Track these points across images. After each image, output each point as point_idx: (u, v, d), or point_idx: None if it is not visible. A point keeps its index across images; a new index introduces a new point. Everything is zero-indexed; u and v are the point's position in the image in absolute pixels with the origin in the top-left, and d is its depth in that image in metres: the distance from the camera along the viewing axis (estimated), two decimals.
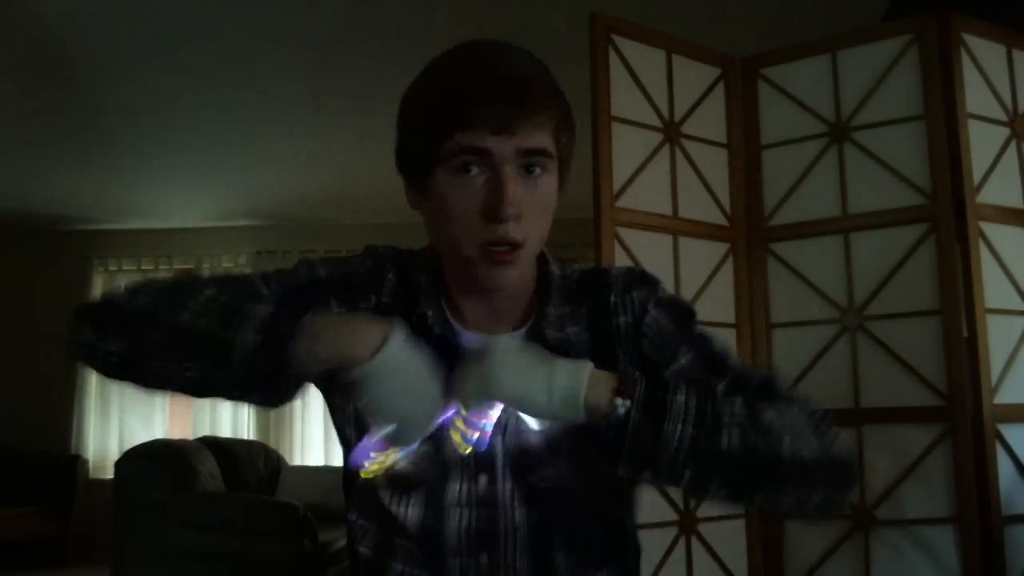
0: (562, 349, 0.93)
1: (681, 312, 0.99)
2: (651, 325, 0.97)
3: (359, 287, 0.99)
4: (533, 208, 0.87)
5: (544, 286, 0.98)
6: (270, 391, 0.82)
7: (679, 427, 0.80)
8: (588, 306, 0.98)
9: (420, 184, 0.90)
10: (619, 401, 0.80)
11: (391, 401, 0.81)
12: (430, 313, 0.95)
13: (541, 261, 0.99)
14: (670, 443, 0.79)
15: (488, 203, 0.84)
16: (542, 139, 0.86)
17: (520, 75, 0.85)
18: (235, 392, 0.84)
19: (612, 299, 0.98)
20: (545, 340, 0.93)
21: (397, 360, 0.81)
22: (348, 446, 0.99)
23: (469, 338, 0.96)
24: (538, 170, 0.87)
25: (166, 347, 0.82)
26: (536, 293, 0.98)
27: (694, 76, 2.55)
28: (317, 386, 0.91)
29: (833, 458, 0.86)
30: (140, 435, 5.94)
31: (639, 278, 1.00)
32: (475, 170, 0.85)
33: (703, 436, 0.80)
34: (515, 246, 0.86)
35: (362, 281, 0.99)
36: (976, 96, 2.42)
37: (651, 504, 2.29)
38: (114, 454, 5.80)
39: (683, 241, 2.44)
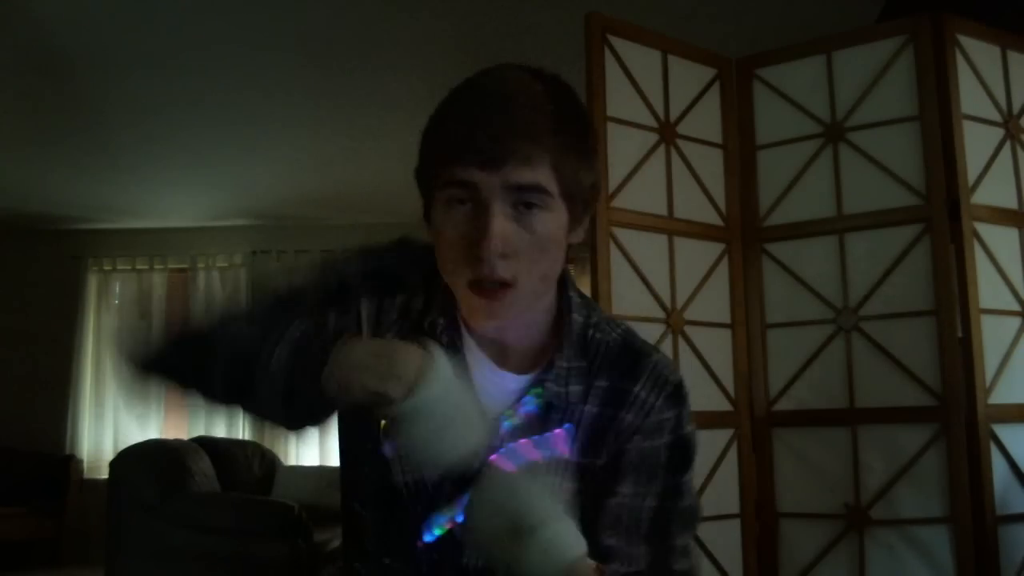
0: (557, 407, 0.92)
1: (684, 458, 0.95)
2: (650, 451, 0.93)
3: (388, 283, 0.95)
4: (528, 246, 0.83)
5: (560, 334, 0.94)
6: (292, 414, 0.86)
7: None
8: (608, 381, 0.94)
9: (427, 210, 0.90)
10: None
11: (430, 443, 0.78)
12: (441, 321, 0.93)
13: (563, 305, 0.95)
14: None
15: (473, 239, 0.82)
16: (535, 174, 0.82)
17: (508, 108, 0.83)
18: (258, 409, 0.90)
19: (637, 391, 0.93)
20: (543, 396, 0.92)
21: (436, 399, 0.77)
22: (366, 455, 0.94)
23: (478, 356, 0.94)
24: (535, 206, 0.83)
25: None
26: (552, 337, 0.94)
27: (689, 76, 2.55)
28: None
29: None
30: (135, 435, 5.93)
31: (674, 392, 0.95)
32: (466, 204, 0.83)
33: None
34: (504, 284, 0.84)
35: (392, 278, 0.96)
36: (970, 97, 2.43)
37: None
38: (108, 454, 5.79)
39: (678, 241, 2.44)
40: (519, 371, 0.94)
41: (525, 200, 0.83)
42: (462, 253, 0.84)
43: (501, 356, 0.94)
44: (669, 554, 0.93)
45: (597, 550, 0.86)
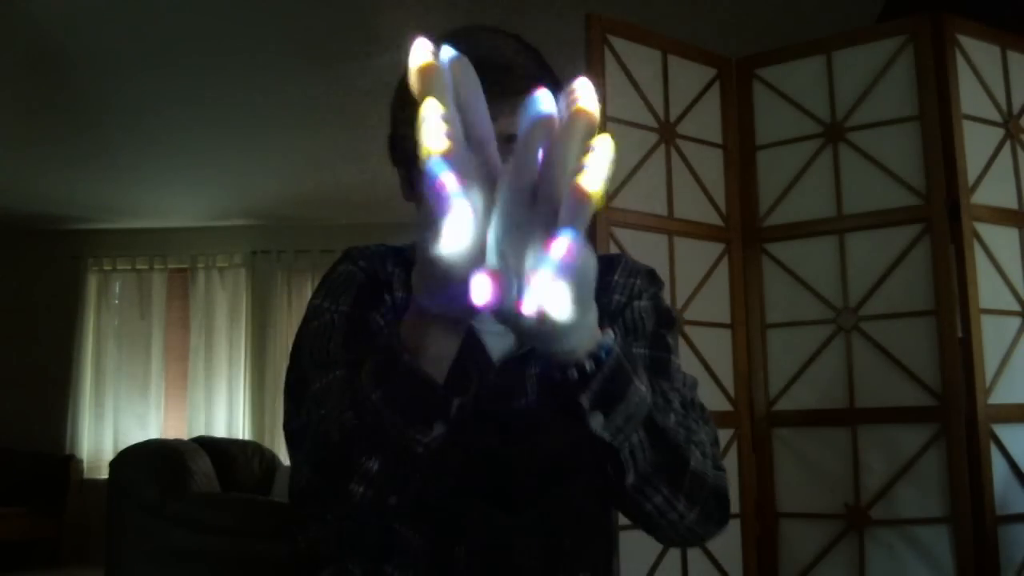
0: None
1: (664, 317, 0.98)
2: (633, 311, 0.96)
3: (370, 291, 0.93)
4: None
5: None
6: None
7: (643, 388, 0.75)
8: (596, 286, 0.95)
9: (407, 176, 0.89)
10: (606, 337, 0.72)
11: None
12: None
13: None
14: (632, 399, 0.73)
15: None
16: None
17: (500, 59, 0.84)
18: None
19: (615, 278, 0.98)
20: None
21: None
22: None
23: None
24: None
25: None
26: None
27: (689, 76, 2.55)
28: None
29: (720, 491, 0.86)
30: (135, 435, 5.93)
31: (648, 273, 1.01)
32: None
33: (657, 408, 0.77)
34: None
35: (370, 284, 0.94)
36: (970, 97, 2.43)
37: None
38: (108, 454, 5.79)
39: (678, 241, 2.44)
40: None
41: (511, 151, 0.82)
42: None
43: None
44: (672, 389, 0.89)
45: None
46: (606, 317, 0.93)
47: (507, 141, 0.79)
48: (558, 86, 0.86)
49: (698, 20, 3.25)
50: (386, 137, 0.94)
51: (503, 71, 0.83)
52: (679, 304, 2.41)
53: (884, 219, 2.42)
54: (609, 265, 1.00)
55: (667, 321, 0.98)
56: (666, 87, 2.48)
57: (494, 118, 0.77)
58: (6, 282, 6.37)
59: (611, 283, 0.98)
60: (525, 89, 0.80)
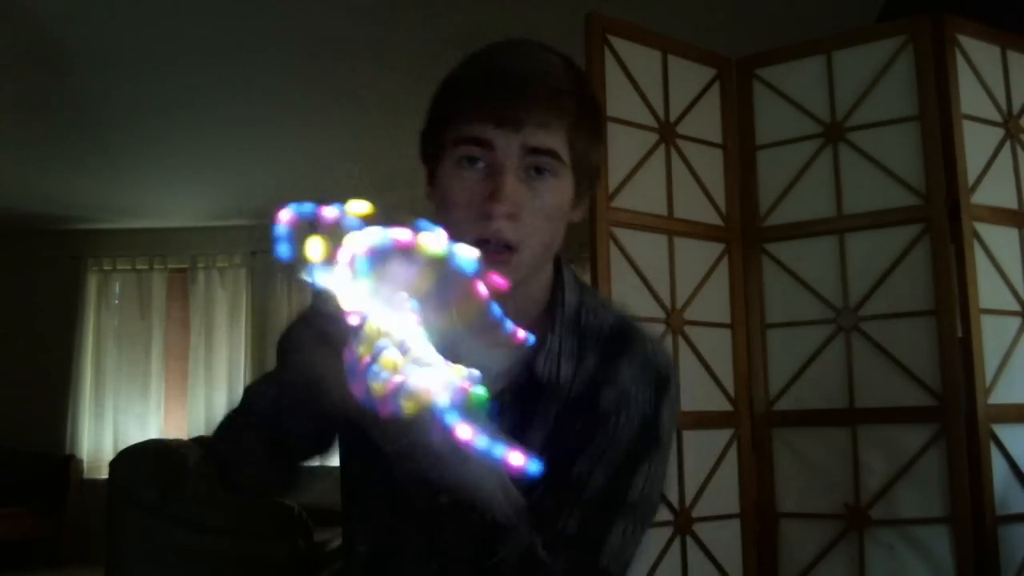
0: (548, 388, 0.90)
1: (644, 448, 0.91)
2: (614, 430, 0.89)
3: None
4: (534, 211, 0.83)
5: (552, 312, 0.92)
6: None
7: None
8: (595, 360, 0.92)
9: (432, 174, 0.89)
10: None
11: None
12: None
13: (557, 284, 0.93)
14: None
15: (483, 198, 0.82)
16: (551, 139, 0.83)
17: (531, 71, 0.84)
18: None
19: (621, 371, 0.91)
20: (533, 374, 0.90)
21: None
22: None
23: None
24: (546, 173, 0.84)
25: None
26: (545, 315, 0.92)
27: (689, 76, 2.55)
28: None
29: None
30: (135, 435, 5.93)
31: (658, 380, 0.92)
32: (479, 164, 0.83)
33: None
34: (509, 248, 0.83)
35: None
36: (970, 97, 2.43)
37: None
38: (108, 454, 5.79)
39: (678, 241, 2.44)
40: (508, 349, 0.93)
41: (537, 165, 0.84)
42: (470, 213, 0.83)
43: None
44: (600, 541, 0.88)
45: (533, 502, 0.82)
46: (595, 404, 0.89)
47: (529, 153, 0.84)
48: (589, 100, 0.89)
49: (698, 20, 3.26)
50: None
51: (528, 81, 0.84)
52: (679, 304, 2.41)
53: (884, 219, 2.42)
54: (622, 349, 0.92)
55: (647, 449, 0.90)
56: (666, 87, 2.48)
57: (519, 128, 0.81)
58: (6, 282, 6.37)
59: (613, 375, 0.91)
60: (552, 102, 0.83)
